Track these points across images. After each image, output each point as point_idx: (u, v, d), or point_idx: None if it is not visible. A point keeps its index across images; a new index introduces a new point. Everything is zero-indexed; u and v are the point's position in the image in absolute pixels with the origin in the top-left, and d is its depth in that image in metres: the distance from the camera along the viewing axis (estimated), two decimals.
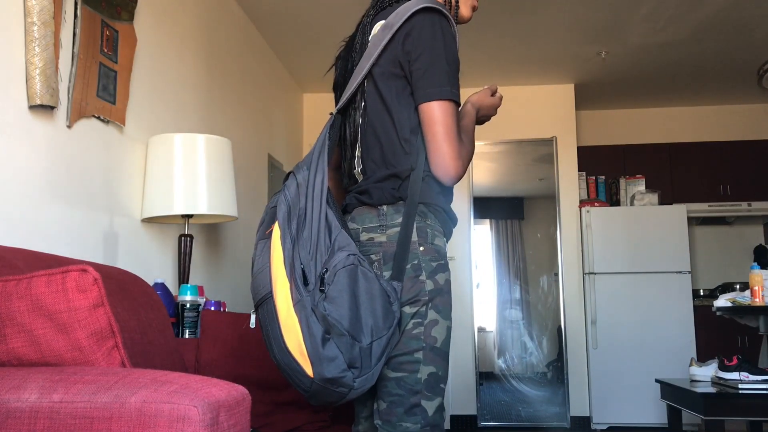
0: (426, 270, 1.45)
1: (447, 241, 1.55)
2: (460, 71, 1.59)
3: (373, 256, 1.47)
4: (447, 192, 1.55)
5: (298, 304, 1.31)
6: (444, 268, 1.49)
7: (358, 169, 1.59)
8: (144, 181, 2.69)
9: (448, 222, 1.56)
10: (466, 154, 1.50)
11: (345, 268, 1.35)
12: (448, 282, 1.49)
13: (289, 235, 1.36)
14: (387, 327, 1.35)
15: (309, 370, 1.31)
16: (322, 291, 1.33)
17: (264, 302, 1.36)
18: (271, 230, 1.39)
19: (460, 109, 1.58)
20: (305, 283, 1.33)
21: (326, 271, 1.34)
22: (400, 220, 1.47)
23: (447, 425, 5.16)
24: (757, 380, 3.07)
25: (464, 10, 1.69)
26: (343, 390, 1.32)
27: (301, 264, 1.35)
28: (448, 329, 1.48)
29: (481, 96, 1.69)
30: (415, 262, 1.45)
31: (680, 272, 5.11)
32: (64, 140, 2.22)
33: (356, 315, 1.33)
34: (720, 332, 5.11)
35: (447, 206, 1.55)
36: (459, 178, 1.49)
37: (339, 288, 1.33)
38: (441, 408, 1.44)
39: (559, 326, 5.28)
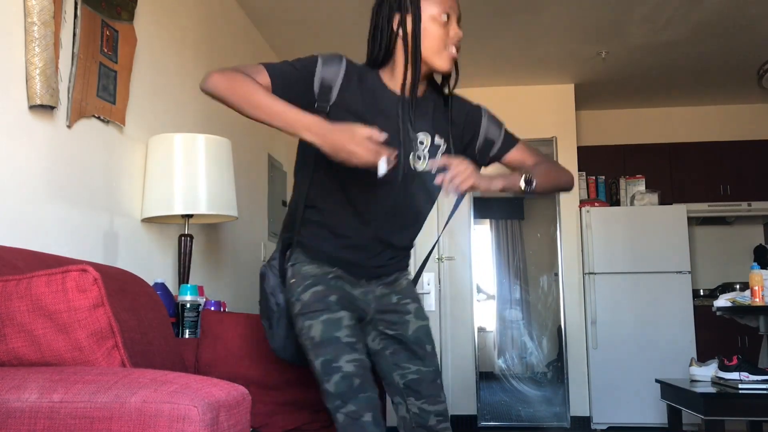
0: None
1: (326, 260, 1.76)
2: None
3: None
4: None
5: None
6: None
7: None
8: (144, 181, 2.69)
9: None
10: (225, 78, 1.59)
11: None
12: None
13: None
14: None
15: None
16: None
17: None
18: None
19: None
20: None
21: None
22: None
23: None
24: (757, 380, 3.07)
25: (434, 61, 1.71)
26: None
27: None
28: (320, 323, 1.69)
29: (333, 129, 1.54)
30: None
31: (680, 272, 5.11)
32: (64, 140, 2.22)
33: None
34: (720, 332, 5.11)
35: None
36: (204, 86, 1.61)
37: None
38: (339, 383, 1.64)
39: (559, 326, 5.28)
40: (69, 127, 2.24)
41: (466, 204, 5.42)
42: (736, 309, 3.47)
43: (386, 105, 1.72)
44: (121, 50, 2.54)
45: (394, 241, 1.83)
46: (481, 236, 5.49)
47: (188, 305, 2.55)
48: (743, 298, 3.43)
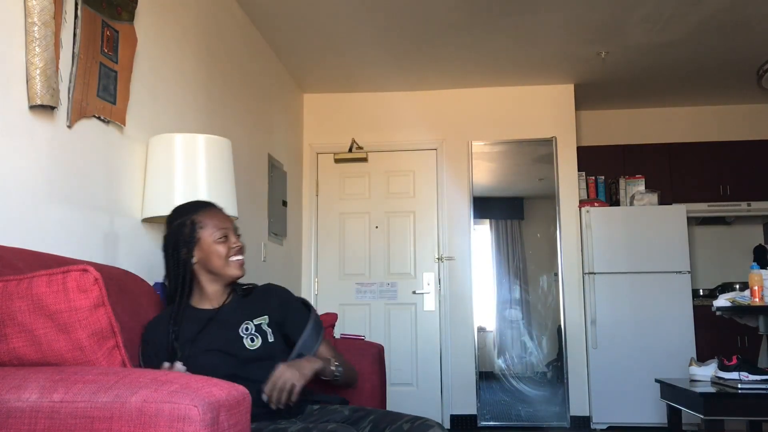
0: None
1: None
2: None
3: None
4: None
5: None
6: None
7: None
8: (144, 181, 2.69)
9: None
10: None
11: None
12: None
13: None
14: None
15: None
16: None
17: None
18: None
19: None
20: None
21: None
22: None
23: (447, 425, 5.17)
24: (756, 380, 3.07)
25: (227, 272, 2.09)
26: None
27: None
28: None
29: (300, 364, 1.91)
30: None
31: (680, 272, 5.11)
32: (64, 140, 2.22)
33: None
34: (720, 332, 5.11)
35: None
36: None
37: None
38: None
39: (559, 326, 5.28)
40: (69, 127, 2.24)
41: (466, 204, 5.43)
42: (736, 309, 3.48)
43: (204, 318, 2.03)
44: (121, 50, 2.54)
45: None
46: (481, 236, 5.50)
47: None
48: (743, 298, 3.43)
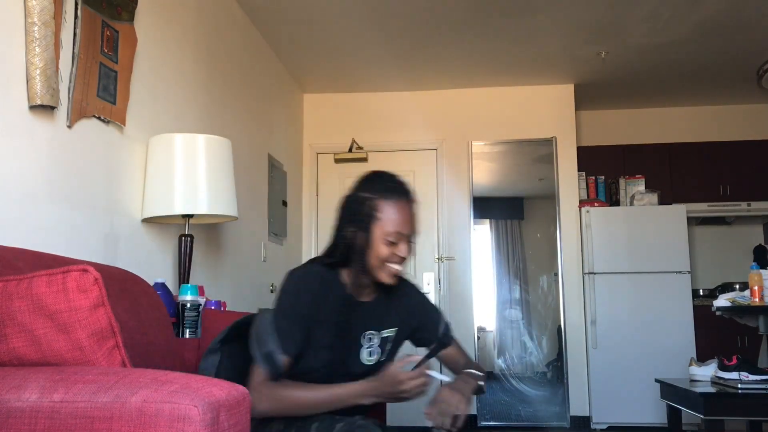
0: None
1: None
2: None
3: None
4: None
5: None
6: None
7: None
8: (144, 181, 2.69)
9: None
10: (276, 403, 1.66)
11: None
12: None
13: None
14: None
15: None
16: None
17: None
18: None
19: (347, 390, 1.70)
20: None
21: None
22: None
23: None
24: (756, 380, 3.07)
25: (377, 274, 1.78)
26: None
27: None
28: None
29: (379, 385, 1.67)
30: None
31: (680, 272, 5.11)
32: (64, 140, 2.22)
33: None
34: (720, 332, 5.11)
35: None
36: (260, 415, 1.66)
37: None
38: None
39: (559, 326, 5.28)
40: (69, 127, 2.24)
41: (466, 204, 5.42)
42: (736, 309, 3.48)
43: (345, 307, 1.81)
44: (121, 50, 2.54)
45: None
46: (481, 236, 5.50)
47: (188, 305, 2.55)
48: (743, 298, 3.43)
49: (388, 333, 1.87)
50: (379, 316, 1.86)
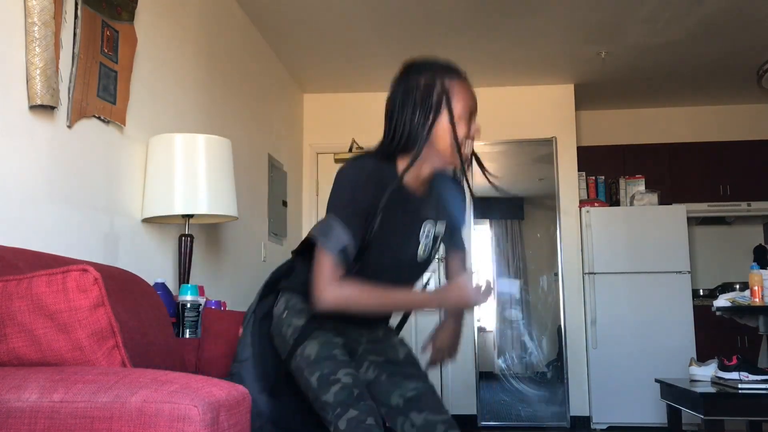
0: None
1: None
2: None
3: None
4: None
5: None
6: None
7: None
8: (144, 181, 2.69)
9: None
10: (342, 300, 1.66)
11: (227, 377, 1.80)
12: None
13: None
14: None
15: None
16: None
17: None
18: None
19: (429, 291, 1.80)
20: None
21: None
22: None
23: None
24: (756, 380, 3.07)
25: (453, 158, 1.75)
26: None
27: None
28: (315, 343, 1.71)
29: (450, 294, 1.73)
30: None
31: (680, 272, 5.11)
32: (64, 140, 2.22)
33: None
34: (720, 332, 5.11)
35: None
36: (323, 308, 1.66)
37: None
38: (338, 392, 1.63)
39: (559, 326, 5.28)
40: (69, 127, 2.24)
41: (466, 205, 5.42)
42: (736, 309, 3.48)
43: (402, 198, 1.76)
44: (121, 50, 2.54)
45: None
46: (481, 236, 5.49)
47: (188, 305, 2.56)
48: (743, 298, 3.43)
49: (440, 227, 1.85)
50: (434, 209, 1.84)
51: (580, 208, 5.32)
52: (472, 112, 1.76)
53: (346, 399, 1.60)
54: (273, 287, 1.89)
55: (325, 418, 1.62)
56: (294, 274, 1.84)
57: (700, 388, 3.20)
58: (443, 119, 1.70)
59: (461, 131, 1.72)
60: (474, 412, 5.17)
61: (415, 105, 1.72)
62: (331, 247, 1.64)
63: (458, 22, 4.31)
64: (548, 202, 5.42)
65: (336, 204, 1.69)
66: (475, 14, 4.21)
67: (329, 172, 5.56)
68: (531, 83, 5.49)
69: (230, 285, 3.76)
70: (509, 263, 5.53)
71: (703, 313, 5.05)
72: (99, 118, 2.42)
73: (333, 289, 1.63)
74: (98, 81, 2.39)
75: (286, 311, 1.77)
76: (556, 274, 5.33)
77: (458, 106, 1.72)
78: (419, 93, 1.72)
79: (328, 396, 1.61)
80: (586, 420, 5.11)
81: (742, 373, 3.11)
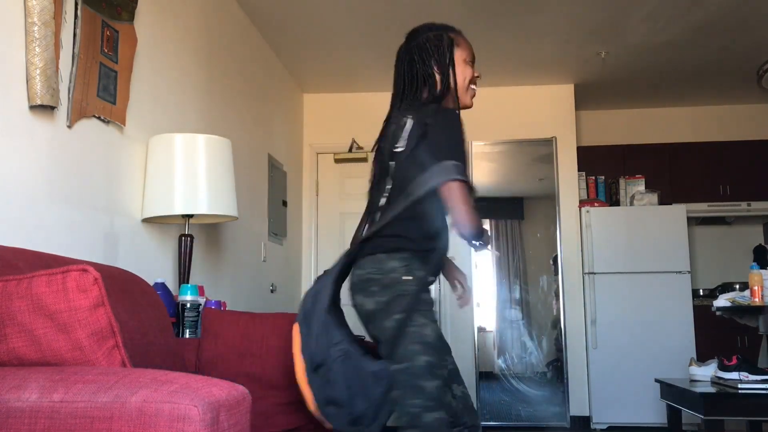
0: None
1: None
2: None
3: None
4: None
5: (309, 382, 1.83)
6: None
7: None
8: (144, 181, 2.69)
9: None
10: (479, 223, 1.96)
11: (336, 360, 1.82)
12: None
13: (304, 333, 1.87)
14: (379, 393, 1.80)
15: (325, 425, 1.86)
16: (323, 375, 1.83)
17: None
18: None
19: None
20: (314, 368, 1.84)
21: (322, 364, 1.82)
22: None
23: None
24: (756, 380, 3.07)
25: (463, 99, 2.05)
26: None
27: (310, 353, 1.85)
28: (433, 327, 1.88)
29: None
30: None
31: (680, 272, 5.11)
32: (64, 140, 2.22)
33: (349, 394, 1.80)
34: (720, 332, 5.11)
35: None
36: (471, 231, 1.94)
37: (335, 375, 1.81)
38: (438, 387, 1.82)
39: (559, 326, 5.28)
40: (69, 127, 2.24)
41: None
42: (736, 309, 3.48)
43: None
44: (121, 50, 2.54)
45: None
46: None
47: (188, 305, 2.56)
48: (743, 298, 3.43)
49: None
50: None
51: (580, 208, 5.32)
52: (474, 60, 2.09)
53: (441, 397, 1.79)
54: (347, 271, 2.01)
55: (407, 400, 1.76)
56: (405, 238, 1.91)
57: (700, 388, 3.20)
58: (457, 65, 2.01)
59: (468, 73, 2.04)
60: None
61: (433, 55, 2.00)
62: (463, 178, 1.85)
63: (458, 21, 4.29)
64: (548, 202, 5.42)
65: (446, 149, 1.87)
66: (476, 14, 4.21)
67: (329, 172, 5.57)
68: (531, 83, 5.49)
69: (230, 285, 3.76)
70: (509, 263, 5.53)
71: (703, 313, 5.05)
72: (99, 118, 2.42)
73: (473, 213, 1.85)
74: (98, 81, 2.39)
75: (407, 275, 1.87)
76: (557, 274, 5.33)
77: (464, 52, 2.04)
78: (432, 45, 2.01)
79: (429, 384, 1.77)
80: (586, 420, 5.11)
81: (742, 373, 3.11)
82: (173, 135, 2.66)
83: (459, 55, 2.02)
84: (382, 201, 1.98)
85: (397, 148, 1.92)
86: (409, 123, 1.91)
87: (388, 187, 1.96)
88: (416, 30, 2.07)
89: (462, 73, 2.01)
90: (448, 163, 1.83)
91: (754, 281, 3.39)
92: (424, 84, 1.99)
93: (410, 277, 1.86)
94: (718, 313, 3.60)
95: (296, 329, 1.89)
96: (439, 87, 1.98)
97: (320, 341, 1.85)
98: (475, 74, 2.05)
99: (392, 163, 1.94)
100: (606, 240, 5.19)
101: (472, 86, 2.05)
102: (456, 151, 1.86)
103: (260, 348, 2.24)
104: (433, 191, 1.86)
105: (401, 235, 1.91)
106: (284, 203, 4.90)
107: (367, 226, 2.02)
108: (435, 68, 1.99)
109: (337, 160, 5.53)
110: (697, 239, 5.99)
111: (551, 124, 5.48)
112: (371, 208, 2.02)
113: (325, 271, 1.99)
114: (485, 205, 5.48)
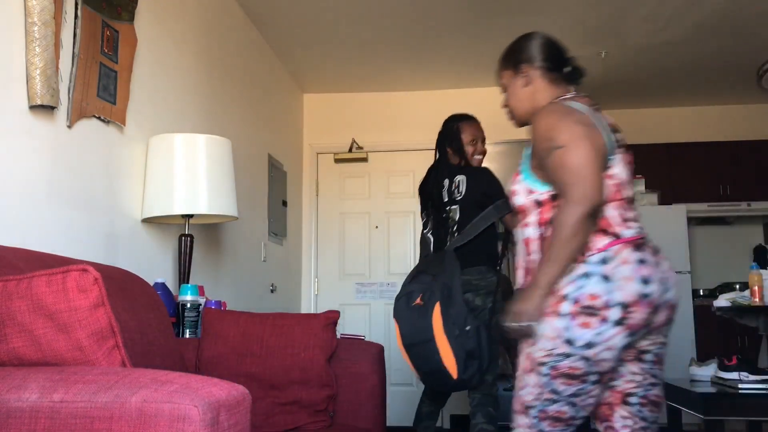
0: None
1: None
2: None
3: None
4: None
5: (453, 343, 2.49)
6: None
7: None
8: (144, 181, 2.69)
9: None
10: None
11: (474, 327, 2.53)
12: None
13: (446, 313, 2.51)
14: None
15: (455, 374, 2.51)
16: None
17: (424, 343, 2.52)
18: (420, 303, 2.58)
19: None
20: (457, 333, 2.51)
21: (468, 329, 2.51)
22: None
23: (447, 425, 5.17)
24: (756, 380, 3.07)
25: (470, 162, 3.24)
26: (467, 384, 2.55)
27: (453, 324, 2.51)
28: None
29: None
30: None
31: (680, 272, 5.11)
32: (64, 140, 2.22)
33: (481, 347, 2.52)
34: (720, 332, 5.11)
35: None
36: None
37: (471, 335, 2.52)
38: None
39: None
40: (69, 127, 2.24)
41: None
42: (736, 309, 3.47)
43: None
44: (121, 50, 2.54)
45: None
46: None
47: (188, 305, 2.56)
48: (743, 298, 3.43)
49: None
50: None
51: None
52: (478, 139, 3.20)
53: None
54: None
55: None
56: None
57: (700, 388, 3.19)
58: (464, 144, 3.20)
59: (470, 150, 3.19)
60: None
61: (446, 141, 3.23)
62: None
63: (458, 21, 4.32)
64: None
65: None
66: (475, 14, 4.21)
67: (329, 172, 5.56)
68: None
69: (230, 285, 3.76)
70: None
71: (703, 313, 5.05)
72: (99, 118, 2.42)
73: None
74: (98, 81, 2.39)
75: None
76: None
77: (468, 136, 3.19)
78: (446, 134, 3.23)
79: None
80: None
81: (742, 373, 3.11)
82: (173, 135, 2.66)
83: (464, 138, 3.16)
84: None
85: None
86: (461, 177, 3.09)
87: None
88: (445, 121, 3.25)
89: (467, 149, 3.17)
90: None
91: (754, 281, 3.38)
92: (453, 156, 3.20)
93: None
94: (718, 313, 3.60)
95: (437, 308, 2.51)
96: (457, 160, 3.16)
97: (460, 313, 2.50)
98: (478, 150, 3.18)
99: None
100: None
101: (477, 156, 3.18)
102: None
103: (260, 348, 2.24)
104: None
105: None
106: (284, 203, 4.90)
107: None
108: (449, 150, 3.19)
109: (337, 160, 5.53)
110: (697, 239, 5.99)
111: None
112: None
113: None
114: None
